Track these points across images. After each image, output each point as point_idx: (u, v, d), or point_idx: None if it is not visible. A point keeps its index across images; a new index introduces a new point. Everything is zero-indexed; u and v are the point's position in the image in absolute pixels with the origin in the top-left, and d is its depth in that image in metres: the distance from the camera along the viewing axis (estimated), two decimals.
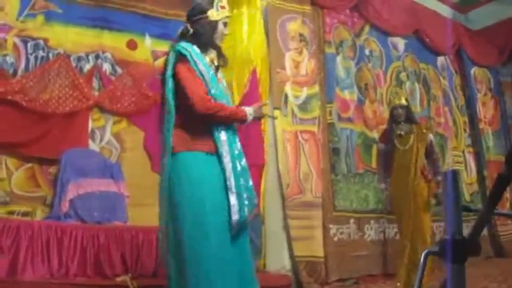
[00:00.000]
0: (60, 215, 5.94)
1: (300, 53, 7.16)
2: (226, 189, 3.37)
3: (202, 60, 3.44)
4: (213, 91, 3.41)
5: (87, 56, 6.96)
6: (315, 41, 7.36)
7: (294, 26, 7.22)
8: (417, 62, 8.97)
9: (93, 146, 6.79)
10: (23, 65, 6.45)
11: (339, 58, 7.55)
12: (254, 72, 6.99)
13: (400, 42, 8.74)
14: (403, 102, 6.15)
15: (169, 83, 3.47)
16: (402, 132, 6.00)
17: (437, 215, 7.92)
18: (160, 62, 7.31)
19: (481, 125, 10.10)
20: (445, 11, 9.81)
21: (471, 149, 9.85)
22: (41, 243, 5.11)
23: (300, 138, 6.77)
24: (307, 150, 6.80)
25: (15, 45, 6.59)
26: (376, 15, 8.21)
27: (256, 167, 6.74)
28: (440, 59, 9.54)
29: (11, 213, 6.09)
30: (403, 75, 8.55)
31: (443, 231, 8.00)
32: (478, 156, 9.88)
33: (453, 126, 9.39)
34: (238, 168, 3.42)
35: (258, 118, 3.61)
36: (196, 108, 3.32)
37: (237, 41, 7.31)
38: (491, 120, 10.39)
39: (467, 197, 9.29)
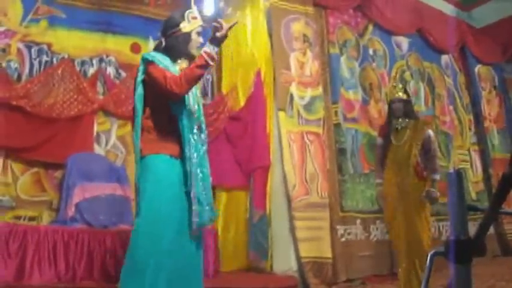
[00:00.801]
0: (66, 219, 5.96)
1: (304, 53, 7.16)
2: (188, 193, 3.47)
3: (169, 68, 3.51)
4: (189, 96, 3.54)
5: (91, 60, 7.00)
6: (318, 42, 7.36)
7: (298, 27, 7.21)
8: (421, 60, 8.95)
9: (99, 149, 6.82)
10: (27, 70, 6.48)
11: (342, 58, 7.53)
12: (258, 73, 7.00)
13: (404, 42, 8.72)
14: (402, 96, 5.95)
15: (139, 89, 3.53)
16: (399, 127, 5.78)
17: (442, 214, 7.94)
18: None
19: (486, 123, 10.07)
20: (449, 9, 9.79)
21: (476, 147, 9.82)
22: (47, 247, 5.12)
23: (305, 139, 6.76)
24: (312, 151, 6.79)
25: (19, 50, 6.62)
26: (379, 15, 8.20)
27: (262, 169, 6.76)
28: (444, 58, 9.52)
29: (18, 218, 6.13)
30: (407, 75, 8.53)
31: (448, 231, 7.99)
32: (484, 155, 9.84)
33: (458, 125, 9.36)
34: (200, 175, 3.49)
35: (220, 41, 3.56)
36: (173, 90, 3.39)
37: (241, 43, 7.34)
38: (496, 118, 10.37)
39: (473, 196, 9.27)
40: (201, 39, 3.66)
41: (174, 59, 3.61)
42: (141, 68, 3.55)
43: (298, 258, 6.43)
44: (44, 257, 5.07)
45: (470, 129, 9.75)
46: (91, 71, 6.95)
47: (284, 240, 6.57)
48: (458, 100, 9.53)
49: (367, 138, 7.41)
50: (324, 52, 7.36)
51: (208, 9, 7.17)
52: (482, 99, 10.18)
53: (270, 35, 7.04)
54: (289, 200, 6.59)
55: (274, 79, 6.93)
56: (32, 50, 6.68)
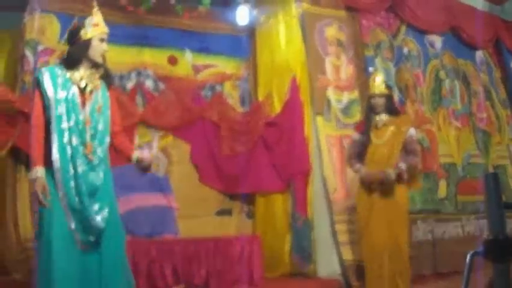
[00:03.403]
0: None
1: (339, 57, 7.18)
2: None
3: (54, 79, 3.53)
4: (58, 111, 3.50)
5: (129, 74, 7.10)
6: (352, 46, 7.36)
7: (331, 31, 7.24)
8: (455, 58, 8.85)
9: None
10: None
11: (377, 60, 7.50)
12: (294, 79, 7.03)
13: (437, 40, 8.66)
14: (383, 90, 5.55)
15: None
16: (379, 124, 5.44)
17: (481, 212, 7.89)
18: (201, 75, 7.46)
19: None
20: (480, 4, 9.68)
21: None
22: None
23: (344, 142, 6.75)
24: None
25: None
26: (411, 15, 8.16)
27: (302, 174, 6.80)
28: (479, 54, 9.41)
29: None
30: (441, 73, 8.47)
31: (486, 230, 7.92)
32: None
33: (496, 121, 9.21)
34: (73, 189, 3.46)
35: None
36: (30, 130, 3.54)
37: (275, 50, 7.38)
38: None
39: None
40: (104, 46, 3.65)
41: (74, 66, 3.62)
42: (32, 84, 3.68)
43: (341, 261, 6.45)
44: None
45: (508, 124, 9.62)
46: (130, 84, 7.06)
47: (327, 244, 6.60)
48: (494, 96, 9.41)
49: None
50: (358, 55, 7.37)
51: (242, 18, 7.25)
52: None
53: (304, 41, 7.06)
54: (330, 204, 6.62)
55: (310, 84, 6.97)
56: None
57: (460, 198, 7.91)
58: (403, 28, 8.12)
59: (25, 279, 5.06)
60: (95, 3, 3.79)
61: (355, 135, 5.71)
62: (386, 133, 5.40)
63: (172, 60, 7.35)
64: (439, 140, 7.92)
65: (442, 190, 7.72)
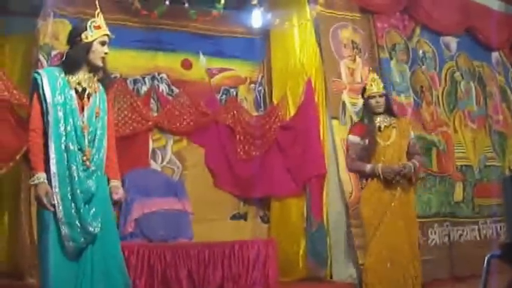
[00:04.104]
0: (126, 234, 6.06)
1: (354, 60, 7.15)
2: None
3: (52, 82, 3.47)
4: (56, 115, 3.43)
5: (143, 78, 7.11)
6: (368, 48, 7.33)
7: (346, 34, 7.22)
8: (471, 60, 8.78)
9: (155, 166, 6.94)
10: None
11: (392, 62, 7.47)
12: (309, 82, 7.01)
13: (453, 42, 8.60)
14: (382, 89, 5.38)
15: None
16: (382, 125, 5.25)
17: (499, 215, 7.83)
18: (216, 79, 7.45)
19: None
20: (496, 4, 9.60)
21: None
22: None
23: None
24: None
25: None
26: (426, 16, 8.11)
27: (318, 177, 6.77)
28: (495, 55, 9.33)
29: None
30: (457, 75, 8.42)
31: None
32: None
33: None
34: (69, 195, 3.40)
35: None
36: (27, 138, 3.50)
37: (289, 53, 7.37)
38: None
39: None
40: (105, 49, 3.57)
41: (73, 69, 3.55)
42: (31, 84, 3.63)
43: (357, 265, 6.41)
44: None
45: None
46: (144, 89, 7.08)
47: (342, 248, 6.58)
48: (511, 97, 9.35)
49: (421, 142, 7.30)
50: (373, 57, 7.34)
51: (256, 21, 7.23)
52: None
53: (319, 44, 7.05)
54: (346, 208, 6.59)
55: (325, 87, 6.95)
56: None
57: (477, 201, 7.86)
58: (418, 30, 8.08)
59: (39, 284, 5.06)
60: (97, 5, 3.70)
61: (355, 139, 5.35)
62: (392, 134, 5.25)
63: (187, 64, 7.36)
64: (455, 143, 7.86)
65: (459, 193, 7.67)
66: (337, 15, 7.26)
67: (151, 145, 6.97)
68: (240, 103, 7.63)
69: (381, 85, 5.40)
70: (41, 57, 6.45)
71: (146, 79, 7.12)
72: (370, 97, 5.32)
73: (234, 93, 7.66)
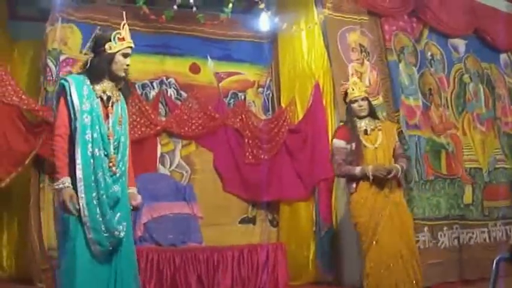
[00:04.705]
0: (135, 239, 6.03)
1: (362, 63, 7.13)
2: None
3: (79, 89, 3.51)
4: (83, 121, 3.47)
5: (151, 83, 7.14)
6: (376, 51, 7.31)
7: (354, 37, 7.19)
8: (479, 62, 8.73)
9: (163, 170, 6.96)
10: None
11: (401, 65, 7.43)
12: (317, 86, 7.02)
13: (461, 44, 8.56)
14: (364, 93, 5.34)
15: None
16: (368, 128, 5.20)
17: (508, 217, 7.81)
18: (224, 83, 7.45)
19: None
20: (504, 5, 9.56)
21: None
22: None
23: None
24: None
25: None
26: (434, 18, 8.07)
27: (326, 181, 6.76)
28: (503, 57, 9.28)
29: None
30: (465, 77, 8.38)
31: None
32: None
33: None
34: (95, 200, 3.43)
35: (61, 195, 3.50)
36: (52, 142, 3.52)
37: (297, 57, 7.37)
38: None
39: None
40: (127, 61, 3.62)
41: (97, 78, 3.60)
42: (56, 90, 3.64)
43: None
44: None
45: None
46: (152, 93, 7.11)
47: (352, 251, 6.55)
48: None
49: (430, 144, 7.29)
50: (382, 60, 7.31)
51: (264, 25, 7.24)
52: None
53: (327, 47, 7.05)
54: None
55: (333, 91, 6.94)
56: None
57: (486, 203, 7.79)
58: (426, 32, 8.04)
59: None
60: (124, 17, 3.74)
61: (340, 143, 5.28)
62: (378, 137, 5.20)
63: (195, 69, 7.39)
64: (463, 145, 7.82)
65: (468, 196, 7.61)
66: (345, 18, 7.24)
67: (159, 149, 6.99)
68: (248, 107, 7.64)
69: (363, 88, 5.40)
70: (49, 62, 6.49)
71: (154, 83, 7.16)
72: (352, 101, 5.29)
73: (242, 97, 7.68)
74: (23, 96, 6.16)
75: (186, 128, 7.05)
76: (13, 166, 6.10)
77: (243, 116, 7.38)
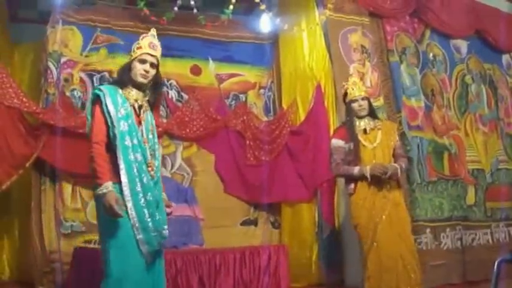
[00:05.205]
0: None
1: (363, 64, 7.12)
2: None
3: (114, 98, 3.58)
4: (121, 128, 3.53)
5: None
6: (377, 52, 7.29)
7: (355, 38, 7.18)
8: (481, 62, 8.71)
9: (165, 172, 6.93)
10: None
11: (403, 66, 7.41)
12: (318, 87, 7.02)
13: (463, 44, 8.54)
14: (364, 92, 5.31)
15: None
16: (368, 128, 5.17)
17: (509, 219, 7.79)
18: (225, 85, 7.44)
19: None
20: (506, 6, 9.54)
21: None
22: None
23: None
24: None
25: (81, 79, 6.83)
26: (436, 19, 8.06)
27: (329, 182, 6.75)
28: (506, 57, 9.25)
29: (88, 242, 6.27)
30: (467, 78, 8.36)
31: None
32: None
33: None
34: (142, 202, 3.50)
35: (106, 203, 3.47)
36: (89, 149, 3.51)
37: (298, 58, 7.37)
38: None
39: None
40: (144, 67, 3.67)
41: (123, 86, 3.69)
42: (90, 99, 3.70)
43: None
44: None
45: None
46: None
47: (354, 253, 6.52)
48: None
49: (433, 145, 7.28)
50: (383, 61, 7.29)
51: (265, 26, 7.23)
52: None
53: (328, 48, 7.05)
54: None
55: (335, 92, 6.92)
56: (94, 78, 6.88)
57: (489, 204, 7.78)
58: (428, 33, 8.03)
59: None
60: (153, 30, 3.88)
61: (339, 142, 5.23)
62: (377, 137, 5.16)
63: (196, 70, 7.39)
64: (466, 146, 7.81)
65: (471, 197, 7.60)
66: (346, 19, 7.22)
67: (161, 152, 6.96)
68: (250, 108, 7.64)
69: (363, 88, 5.36)
70: (50, 64, 6.51)
71: None
72: (352, 101, 5.25)
73: (244, 98, 7.68)
74: (24, 99, 6.16)
75: (187, 130, 7.05)
76: (14, 168, 6.09)
77: (244, 117, 7.38)
